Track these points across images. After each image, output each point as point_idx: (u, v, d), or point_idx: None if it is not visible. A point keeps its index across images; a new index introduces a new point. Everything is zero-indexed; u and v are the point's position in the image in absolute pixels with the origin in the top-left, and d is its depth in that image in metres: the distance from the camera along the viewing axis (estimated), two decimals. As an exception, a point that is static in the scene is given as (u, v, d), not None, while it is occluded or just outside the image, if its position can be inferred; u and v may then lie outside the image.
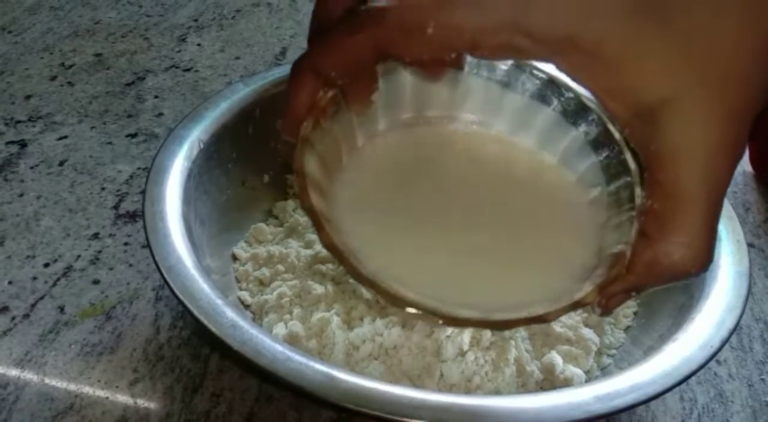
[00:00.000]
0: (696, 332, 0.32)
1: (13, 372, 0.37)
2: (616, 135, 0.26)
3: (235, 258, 0.42)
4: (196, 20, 0.72)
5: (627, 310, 0.40)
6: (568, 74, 0.24)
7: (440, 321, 0.23)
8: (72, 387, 0.36)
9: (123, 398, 0.36)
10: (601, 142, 0.27)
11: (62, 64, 0.63)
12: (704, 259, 0.23)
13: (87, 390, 0.36)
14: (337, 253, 0.24)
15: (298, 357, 0.29)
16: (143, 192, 0.36)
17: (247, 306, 0.39)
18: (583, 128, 0.28)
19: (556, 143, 0.28)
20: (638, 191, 0.25)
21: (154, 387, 0.36)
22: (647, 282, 0.24)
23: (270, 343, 0.29)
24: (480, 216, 0.27)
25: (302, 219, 0.44)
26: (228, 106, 0.43)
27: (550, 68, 0.27)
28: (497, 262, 0.26)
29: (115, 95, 0.59)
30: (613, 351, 0.38)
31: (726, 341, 0.31)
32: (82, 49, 0.65)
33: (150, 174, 0.37)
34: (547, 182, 0.28)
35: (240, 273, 0.41)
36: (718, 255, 0.36)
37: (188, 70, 0.63)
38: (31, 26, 0.69)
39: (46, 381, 0.36)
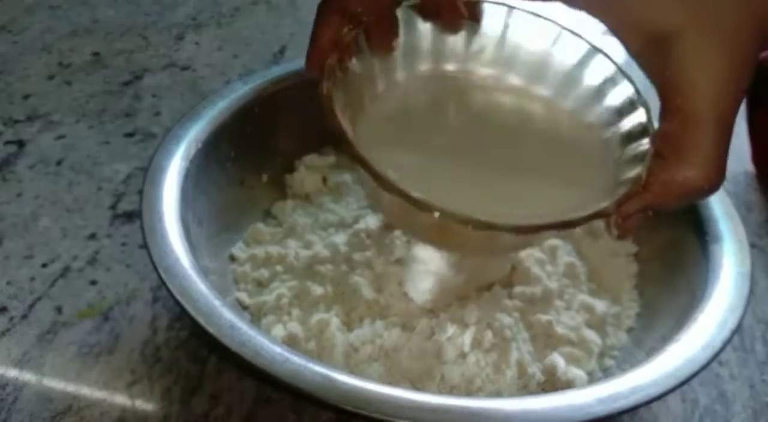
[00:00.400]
0: (698, 333, 0.32)
1: (12, 373, 0.36)
2: (627, 78, 0.28)
3: (233, 259, 0.42)
4: (194, 19, 0.72)
5: (629, 311, 0.40)
6: (583, 10, 0.26)
7: (470, 226, 0.24)
8: (70, 388, 0.36)
9: (121, 399, 0.35)
10: (613, 87, 0.29)
11: (60, 64, 0.63)
12: (716, 177, 0.25)
13: (85, 391, 0.36)
14: (364, 163, 0.24)
15: (296, 359, 0.29)
16: (141, 192, 0.36)
17: (245, 307, 0.39)
18: (595, 75, 0.29)
19: (570, 91, 0.30)
20: (649, 125, 0.27)
21: (152, 388, 0.36)
22: (663, 200, 0.26)
23: (268, 344, 0.29)
24: (500, 149, 0.28)
25: (301, 220, 0.44)
26: (226, 105, 0.43)
27: (559, 18, 0.29)
28: (520, 182, 0.27)
29: (113, 94, 0.59)
30: (616, 352, 0.38)
31: (728, 342, 0.31)
32: (81, 49, 0.65)
33: (147, 174, 0.37)
34: (563, 123, 0.29)
35: (238, 274, 0.41)
36: (720, 256, 0.36)
37: (186, 68, 0.63)
38: (30, 25, 0.68)
39: (45, 381, 0.36)
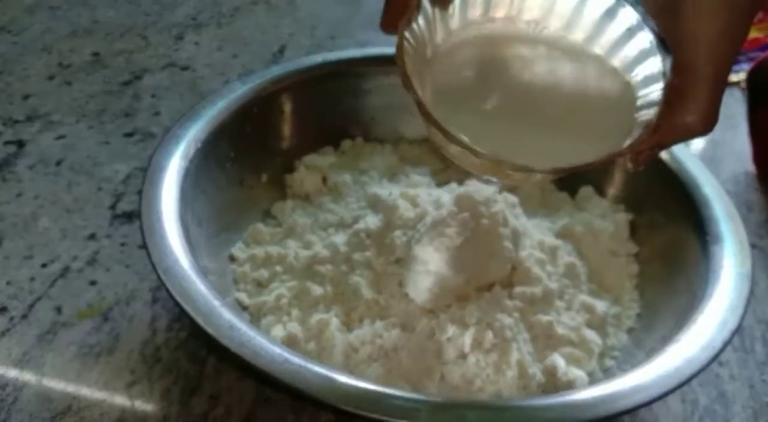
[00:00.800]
0: (698, 333, 0.32)
1: (12, 373, 0.36)
2: (648, 28, 0.32)
3: (232, 259, 0.42)
4: (194, 19, 0.72)
5: (630, 311, 0.40)
6: None
7: (509, 170, 0.30)
8: (70, 388, 0.36)
9: (120, 400, 0.35)
10: (635, 35, 0.33)
11: (60, 64, 0.63)
12: (711, 122, 0.30)
13: (85, 391, 0.36)
14: (435, 123, 0.29)
15: (296, 359, 0.29)
16: (140, 192, 0.36)
17: (244, 308, 0.39)
18: (621, 24, 0.33)
19: (599, 38, 0.34)
20: (665, 71, 0.31)
21: (152, 389, 0.36)
22: (667, 140, 0.31)
23: (268, 345, 0.29)
24: (539, 98, 0.33)
25: (301, 220, 0.44)
26: (226, 105, 0.43)
27: None
28: (555, 127, 0.32)
29: (113, 94, 0.59)
30: (616, 353, 0.38)
31: (728, 342, 0.31)
32: (80, 49, 0.65)
33: (147, 174, 0.37)
34: (591, 69, 0.34)
35: (238, 274, 0.41)
36: (721, 256, 0.36)
37: (186, 68, 0.63)
38: (30, 26, 0.68)
39: (44, 382, 0.36)
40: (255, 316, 0.38)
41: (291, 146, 0.48)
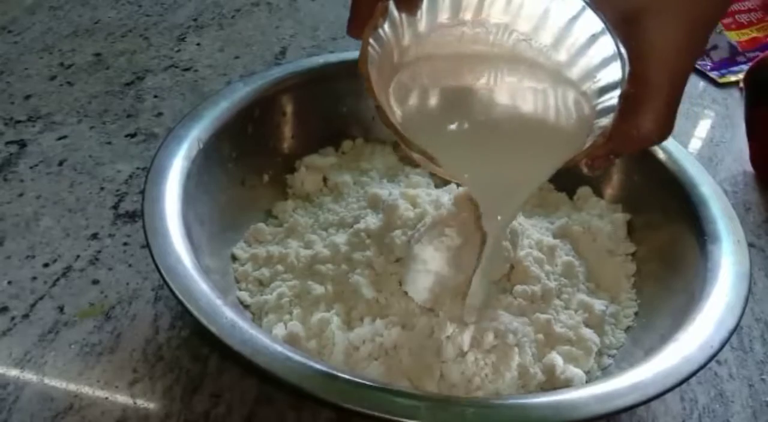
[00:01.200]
0: (696, 332, 0.32)
1: (13, 372, 0.37)
2: (611, 35, 0.32)
3: (234, 258, 0.42)
4: (195, 20, 0.72)
5: (628, 310, 0.40)
6: None
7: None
8: (71, 387, 0.36)
9: (122, 398, 0.35)
10: (597, 42, 0.33)
11: (62, 64, 0.63)
12: (666, 131, 0.30)
13: (86, 390, 0.36)
14: (394, 129, 0.30)
15: (297, 357, 0.29)
16: (142, 192, 0.36)
17: (246, 307, 0.39)
18: (585, 30, 0.33)
19: (566, 40, 0.34)
20: (623, 80, 0.31)
21: (154, 387, 0.36)
22: (622, 148, 0.32)
23: (269, 343, 0.29)
24: (501, 101, 0.34)
25: (302, 220, 0.44)
26: (227, 105, 0.43)
27: None
28: (514, 145, 0.33)
29: (115, 95, 0.59)
30: (614, 352, 0.38)
31: (726, 341, 0.31)
32: (82, 49, 0.65)
33: (149, 174, 0.37)
34: (555, 75, 0.34)
35: (239, 273, 0.41)
36: (719, 255, 0.36)
37: (187, 69, 0.63)
38: (31, 26, 0.68)
39: (46, 381, 0.36)
40: (256, 315, 0.39)
41: (292, 147, 0.48)
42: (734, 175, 0.54)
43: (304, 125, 0.49)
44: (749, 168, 0.55)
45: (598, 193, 0.47)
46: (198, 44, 0.68)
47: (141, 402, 0.35)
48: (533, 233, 0.42)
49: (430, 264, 0.37)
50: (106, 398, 0.35)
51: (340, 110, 0.50)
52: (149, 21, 0.71)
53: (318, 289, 0.38)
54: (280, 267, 0.41)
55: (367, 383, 0.28)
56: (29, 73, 0.61)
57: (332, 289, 0.39)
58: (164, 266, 0.32)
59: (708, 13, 0.29)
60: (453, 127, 0.33)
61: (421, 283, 0.37)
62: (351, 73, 0.49)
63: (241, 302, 0.39)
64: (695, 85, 0.67)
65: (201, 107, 0.43)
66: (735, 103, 0.64)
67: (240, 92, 0.44)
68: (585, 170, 0.33)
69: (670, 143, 0.44)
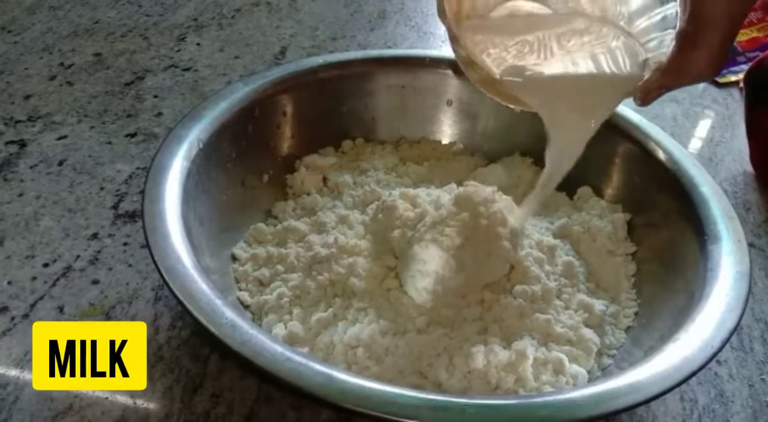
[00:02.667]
0: (696, 332, 0.32)
1: (13, 372, 0.36)
2: None
3: (234, 258, 0.42)
4: (195, 20, 0.72)
5: (628, 310, 0.40)
6: None
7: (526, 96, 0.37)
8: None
9: (122, 398, 0.35)
10: None
11: (62, 64, 0.63)
12: (717, 68, 0.33)
13: (86, 390, 0.36)
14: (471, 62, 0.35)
15: (297, 357, 0.29)
16: (142, 192, 0.36)
17: (246, 307, 0.39)
18: None
19: None
20: (678, 17, 0.34)
21: (154, 387, 0.36)
22: (675, 82, 0.35)
23: (269, 343, 0.29)
24: (577, 42, 0.38)
25: (301, 220, 0.44)
26: (228, 105, 0.43)
27: None
28: (588, 67, 0.38)
29: (115, 95, 0.59)
30: (614, 352, 0.38)
31: (726, 341, 0.31)
32: (82, 49, 0.65)
33: (149, 174, 0.37)
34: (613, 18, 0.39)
35: (239, 273, 0.41)
36: (719, 255, 0.36)
37: (187, 69, 0.63)
38: (31, 26, 0.68)
39: (46, 381, 0.36)
40: (256, 315, 0.39)
41: (292, 147, 0.48)
42: (734, 175, 0.54)
43: (304, 125, 0.49)
44: (749, 168, 0.55)
45: (599, 193, 0.47)
46: (198, 44, 0.68)
47: (141, 402, 0.35)
48: (533, 233, 0.42)
49: (430, 264, 0.37)
50: (106, 398, 0.35)
51: (341, 110, 0.50)
52: (149, 21, 0.71)
53: (318, 289, 0.38)
54: (280, 267, 0.41)
55: (366, 383, 0.28)
56: (29, 73, 0.61)
57: (332, 289, 0.39)
58: (164, 266, 0.32)
59: None
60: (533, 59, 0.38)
61: (421, 283, 0.37)
62: (351, 73, 0.50)
63: (242, 303, 0.39)
64: (695, 85, 0.67)
65: (201, 106, 0.43)
66: (735, 104, 0.64)
67: (240, 92, 0.44)
68: (638, 102, 0.36)
69: (669, 142, 0.44)
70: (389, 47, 0.70)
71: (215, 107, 0.43)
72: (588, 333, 0.37)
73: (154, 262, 0.33)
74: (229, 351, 0.29)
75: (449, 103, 0.52)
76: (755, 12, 0.72)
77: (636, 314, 0.40)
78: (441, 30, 0.74)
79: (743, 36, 0.70)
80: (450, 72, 0.50)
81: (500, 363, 0.34)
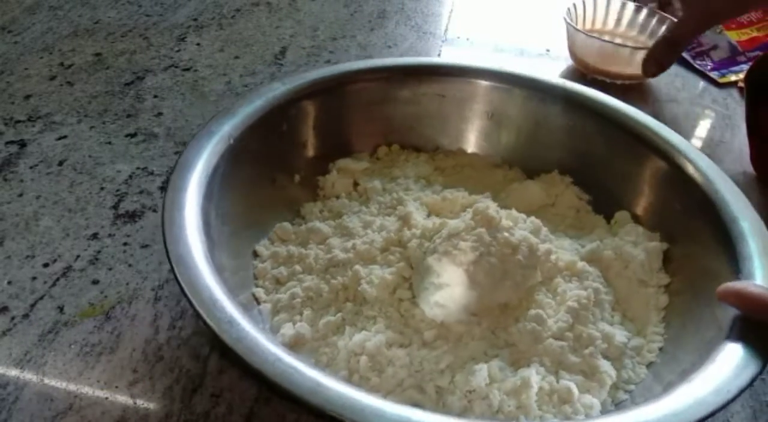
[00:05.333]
0: (714, 374, 0.30)
1: (13, 372, 0.36)
2: None
3: (256, 255, 0.42)
4: (195, 20, 0.72)
5: (653, 345, 0.38)
6: None
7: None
8: (71, 387, 0.36)
9: (122, 398, 0.35)
10: None
11: (62, 64, 0.63)
12: (692, 37, 0.45)
13: (86, 390, 0.36)
14: None
15: (288, 360, 0.28)
16: (167, 182, 0.36)
17: (260, 303, 0.39)
18: None
19: None
20: None
21: (154, 387, 0.36)
22: (665, 58, 0.46)
23: (264, 343, 0.29)
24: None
25: (325, 222, 0.44)
26: (263, 103, 0.43)
27: None
28: None
29: (115, 95, 0.59)
30: (632, 387, 0.36)
31: (744, 389, 0.29)
32: (82, 49, 0.65)
33: (176, 167, 0.37)
34: None
35: (258, 270, 0.40)
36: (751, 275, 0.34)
37: (188, 69, 0.63)
38: (31, 26, 0.68)
39: (46, 381, 0.36)
40: (272, 312, 0.38)
41: (326, 149, 0.48)
42: (734, 175, 0.54)
43: (340, 128, 0.48)
44: (749, 168, 0.55)
45: (637, 220, 0.44)
46: (198, 44, 0.68)
47: (141, 402, 0.35)
48: (562, 255, 0.40)
49: (443, 278, 0.36)
50: (106, 398, 0.35)
51: (378, 116, 0.50)
52: (149, 21, 0.71)
53: (330, 292, 0.38)
54: (298, 267, 0.40)
55: (354, 393, 0.27)
56: (29, 73, 0.61)
57: (343, 294, 0.38)
58: (174, 255, 0.32)
59: None
60: None
61: (433, 296, 0.36)
62: (392, 79, 0.50)
63: (256, 299, 0.39)
64: (695, 85, 0.67)
65: (236, 104, 0.42)
66: (735, 104, 0.64)
67: (277, 91, 0.44)
68: (643, 72, 0.45)
69: (716, 172, 0.41)
70: (389, 47, 0.70)
71: (250, 105, 0.42)
72: (604, 365, 0.35)
73: (166, 249, 0.32)
74: (224, 347, 0.29)
75: (490, 116, 0.51)
76: (755, 11, 0.72)
77: (660, 349, 0.37)
78: (441, 30, 0.74)
79: (743, 36, 0.70)
80: (492, 84, 0.49)
81: (504, 386, 0.33)
